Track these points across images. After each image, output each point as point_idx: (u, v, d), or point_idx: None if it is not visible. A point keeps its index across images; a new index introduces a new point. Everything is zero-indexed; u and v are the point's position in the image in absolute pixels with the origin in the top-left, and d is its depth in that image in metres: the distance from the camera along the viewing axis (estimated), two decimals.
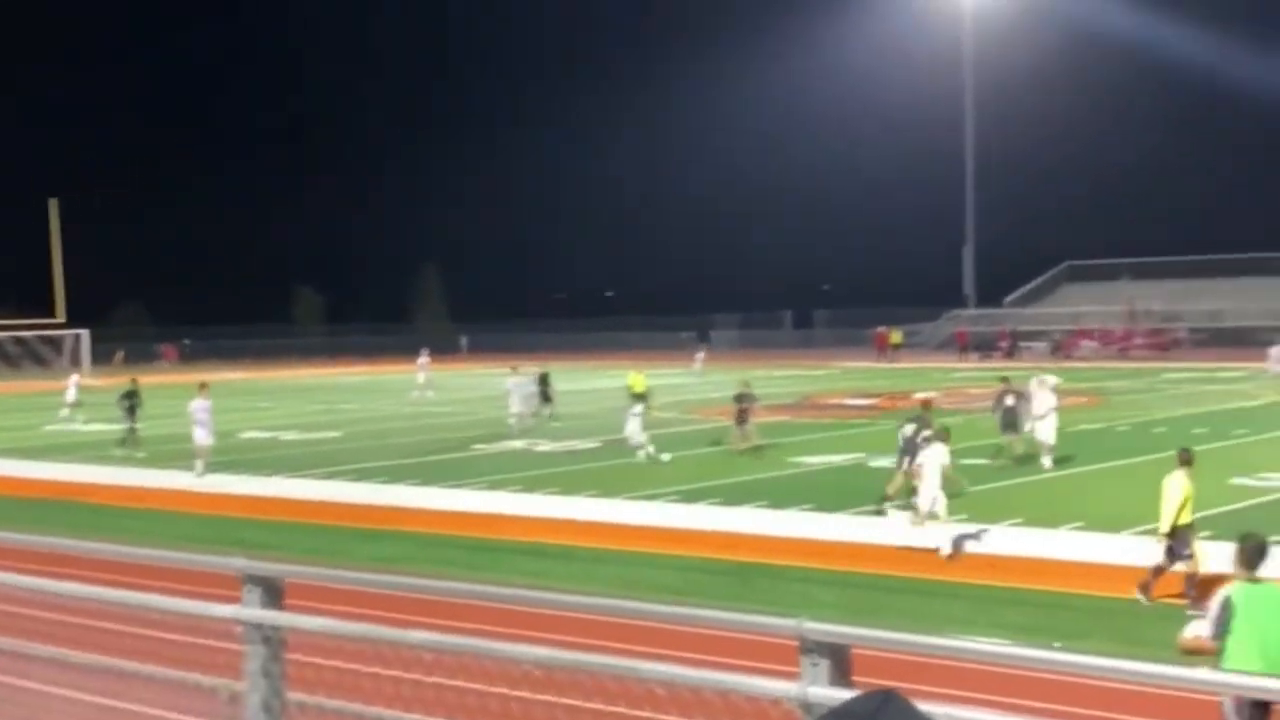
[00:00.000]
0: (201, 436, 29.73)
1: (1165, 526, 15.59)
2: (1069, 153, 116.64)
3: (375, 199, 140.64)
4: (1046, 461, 27.70)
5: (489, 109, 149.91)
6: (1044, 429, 27.88)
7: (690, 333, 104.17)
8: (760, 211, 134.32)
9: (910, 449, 22.01)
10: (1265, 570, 9.37)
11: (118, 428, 37.37)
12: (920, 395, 31.06)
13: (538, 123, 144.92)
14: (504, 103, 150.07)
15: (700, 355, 70.66)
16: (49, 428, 45.27)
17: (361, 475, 29.50)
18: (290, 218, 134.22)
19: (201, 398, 30.15)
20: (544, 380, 41.13)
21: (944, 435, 20.33)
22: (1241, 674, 6.78)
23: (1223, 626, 8.97)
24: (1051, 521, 20.91)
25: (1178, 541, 15.49)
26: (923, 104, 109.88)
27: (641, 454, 30.53)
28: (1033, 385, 28.93)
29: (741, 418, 31.93)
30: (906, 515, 20.12)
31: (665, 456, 30.53)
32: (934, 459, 19.52)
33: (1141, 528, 20.10)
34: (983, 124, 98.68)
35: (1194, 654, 9.20)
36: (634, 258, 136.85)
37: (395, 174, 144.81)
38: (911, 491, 20.85)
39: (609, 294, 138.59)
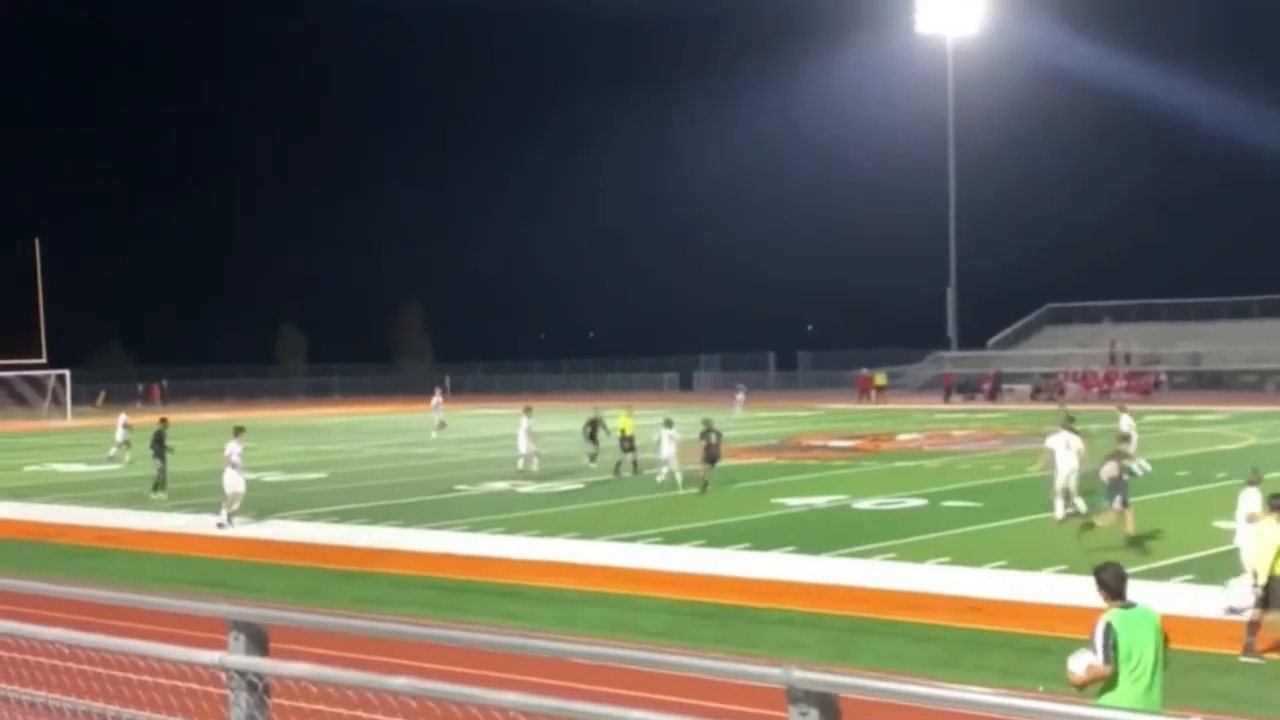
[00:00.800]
0: (234, 482, 28.39)
1: (1263, 577, 15.03)
2: (1051, 195, 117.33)
3: (354, 238, 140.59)
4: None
5: (470, 148, 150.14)
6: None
7: (673, 373, 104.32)
8: (744, 252, 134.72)
9: (1118, 487, 22.41)
10: (1132, 595, 9.97)
11: (114, 466, 37.16)
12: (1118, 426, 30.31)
13: (518, 164, 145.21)
14: (485, 141, 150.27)
15: (740, 396, 66.95)
16: (62, 467, 45.12)
17: (344, 517, 29.39)
18: (272, 256, 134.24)
19: (236, 441, 29.03)
20: (594, 424, 39.43)
21: (1257, 479, 18.72)
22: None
23: (1111, 651, 9.45)
24: (1034, 564, 20.91)
25: (1272, 591, 14.93)
26: (907, 146, 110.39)
27: (664, 474, 33.07)
28: (1124, 422, 32.25)
29: (710, 455, 32.70)
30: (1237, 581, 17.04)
31: (681, 487, 32.29)
32: (1248, 506, 17.91)
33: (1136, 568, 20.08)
34: (965, 166, 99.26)
35: (1089, 684, 9.57)
36: (616, 298, 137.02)
37: (373, 212, 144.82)
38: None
39: (591, 334, 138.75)
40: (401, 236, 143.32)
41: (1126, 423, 33.27)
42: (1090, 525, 22.46)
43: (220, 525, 27.98)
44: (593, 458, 38.82)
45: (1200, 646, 15.46)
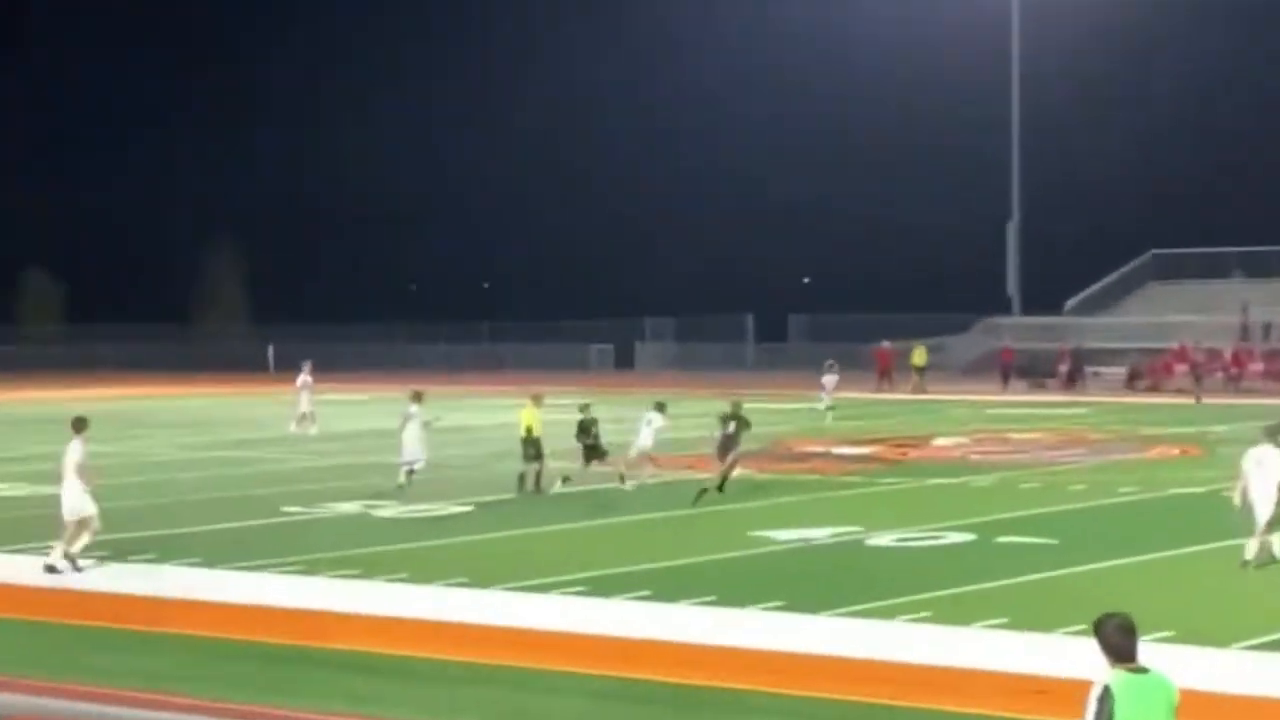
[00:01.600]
0: (77, 503, 26.65)
1: None
2: (1154, 110, 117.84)
3: (146, 160, 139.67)
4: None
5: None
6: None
7: (605, 344, 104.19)
8: (717, 177, 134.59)
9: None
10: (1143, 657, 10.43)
11: None
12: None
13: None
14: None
15: (832, 377, 64.91)
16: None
17: (118, 551, 29.04)
18: (27, 187, 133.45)
19: (78, 440, 27.18)
20: (586, 424, 37.88)
21: None
22: None
23: None
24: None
25: None
26: (957, 38, 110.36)
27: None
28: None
29: (724, 448, 35.53)
30: None
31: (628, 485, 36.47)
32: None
33: (1259, 639, 20.17)
34: (1031, 68, 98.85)
35: None
36: (519, 237, 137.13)
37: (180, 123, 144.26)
38: None
39: (485, 285, 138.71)
40: (207, 154, 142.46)
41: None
42: None
43: (73, 566, 26.67)
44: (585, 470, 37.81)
45: None
